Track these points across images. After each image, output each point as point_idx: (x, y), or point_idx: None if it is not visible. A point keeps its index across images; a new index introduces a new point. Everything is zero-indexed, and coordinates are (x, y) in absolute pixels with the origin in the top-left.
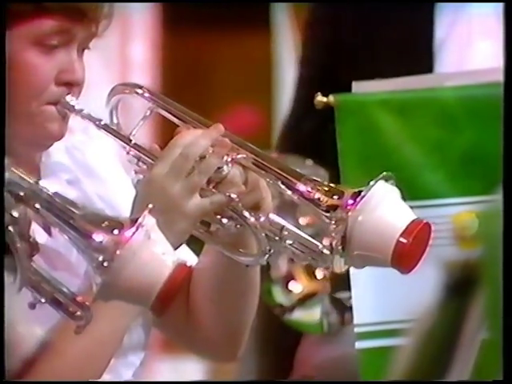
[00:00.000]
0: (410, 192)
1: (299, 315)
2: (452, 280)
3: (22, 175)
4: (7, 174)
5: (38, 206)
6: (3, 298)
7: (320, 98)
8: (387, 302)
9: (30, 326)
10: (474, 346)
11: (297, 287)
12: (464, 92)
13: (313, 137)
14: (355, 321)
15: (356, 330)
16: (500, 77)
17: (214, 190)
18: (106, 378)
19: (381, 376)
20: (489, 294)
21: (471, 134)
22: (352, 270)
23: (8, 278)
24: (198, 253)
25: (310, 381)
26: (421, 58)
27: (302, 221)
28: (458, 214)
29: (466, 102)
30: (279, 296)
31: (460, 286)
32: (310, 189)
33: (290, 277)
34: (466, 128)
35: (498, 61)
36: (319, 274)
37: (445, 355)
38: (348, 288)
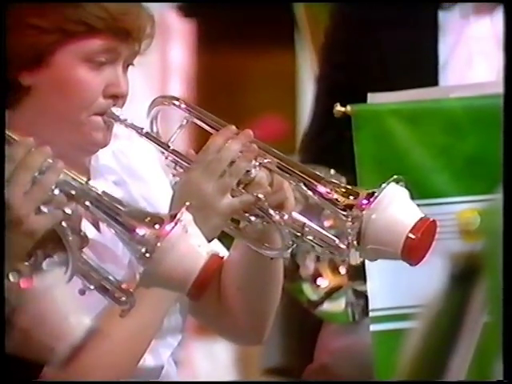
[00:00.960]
0: (419, 191)
1: (327, 307)
2: (457, 270)
3: (74, 176)
4: (61, 176)
5: (87, 203)
6: (3, 298)
7: (339, 108)
8: (399, 290)
9: (80, 315)
10: (476, 328)
11: (324, 283)
12: (467, 102)
13: (332, 144)
14: (370, 306)
15: (371, 314)
16: (499, 89)
17: (243, 191)
18: (146, 357)
19: (393, 356)
20: (490, 283)
21: (474, 139)
22: (367, 262)
23: (60, 269)
24: (228, 247)
25: (310, 381)
26: (427, 75)
27: (326, 223)
28: (462, 211)
29: (468, 112)
30: (309, 292)
31: (464, 275)
32: (328, 190)
33: (317, 274)
34: (468, 134)
35: (495, 77)
36: (342, 269)
37: (450, 336)
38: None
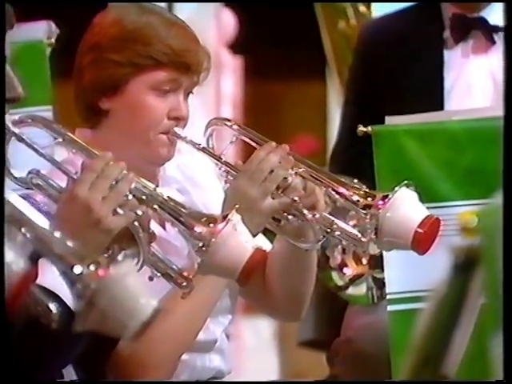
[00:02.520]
0: (427, 197)
1: (351, 291)
2: (458, 260)
3: (144, 184)
4: (134, 183)
5: (155, 206)
6: (3, 296)
7: (361, 129)
8: (411, 277)
9: (149, 297)
10: (475, 308)
11: (348, 271)
12: (466, 124)
13: (355, 158)
14: (387, 290)
15: (388, 297)
16: (492, 113)
17: (281, 194)
18: (200, 335)
19: (407, 332)
20: (486, 271)
21: (471, 154)
22: (384, 254)
23: (133, 260)
24: (271, 241)
25: (312, 381)
26: (434, 101)
27: (350, 222)
28: (463, 212)
29: (467, 131)
30: (336, 279)
31: (464, 265)
32: (351, 193)
33: (343, 264)
34: (467, 150)
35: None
36: (364, 260)
37: (454, 315)
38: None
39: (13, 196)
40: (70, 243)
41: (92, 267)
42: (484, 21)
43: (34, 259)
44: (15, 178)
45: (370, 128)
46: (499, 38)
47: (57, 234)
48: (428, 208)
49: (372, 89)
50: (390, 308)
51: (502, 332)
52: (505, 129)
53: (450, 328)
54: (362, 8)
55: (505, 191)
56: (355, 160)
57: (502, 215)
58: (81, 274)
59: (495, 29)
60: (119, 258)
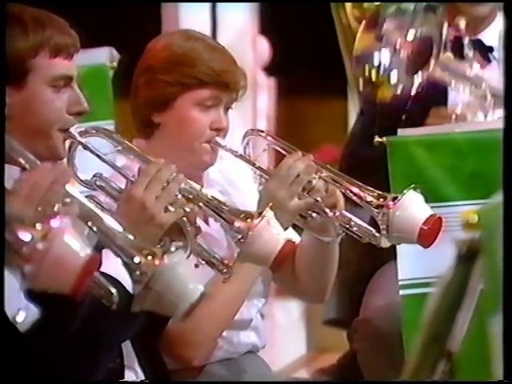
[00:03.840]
0: (434, 198)
1: None
2: (461, 251)
3: (191, 185)
4: (182, 185)
5: (201, 204)
6: (3, 295)
7: (377, 139)
8: (420, 265)
9: (196, 282)
10: (476, 293)
11: None
12: (468, 135)
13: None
14: (399, 276)
15: (400, 283)
16: (491, 125)
17: (306, 195)
18: (238, 314)
19: (417, 313)
20: (485, 261)
21: (473, 161)
22: (398, 246)
23: (182, 250)
24: (300, 234)
25: (312, 381)
26: None
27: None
28: (465, 211)
29: (468, 141)
30: None
31: (466, 255)
32: (366, 195)
33: None
34: (468, 157)
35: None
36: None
37: (458, 299)
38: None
39: (81, 195)
40: (130, 236)
41: (149, 257)
42: (480, 42)
43: (98, 249)
44: (81, 180)
45: (384, 138)
46: (494, 58)
47: (119, 229)
48: (435, 207)
49: (383, 112)
50: (402, 292)
51: (503, 332)
52: (504, 132)
53: (454, 309)
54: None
55: (504, 191)
56: (372, 168)
57: (502, 213)
58: (139, 263)
59: (490, 49)
60: (172, 249)
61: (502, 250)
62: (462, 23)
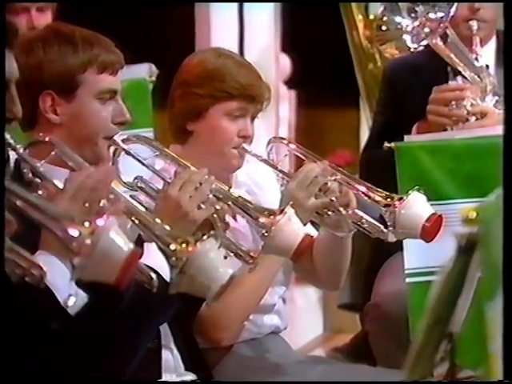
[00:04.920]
0: (436, 197)
1: None
2: (461, 244)
3: (221, 186)
4: (213, 186)
5: (229, 202)
6: (3, 292)
7: (386, 144)
8: (425, 256)
9: (226, 267)
10: (474, 281)
11: None
12: (466, 141)
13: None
14: (405, 266)
15: (406, 272)
16: (486, 132)
17: (323, 195)
18: (262, 300)
19: (422, 299)
20: (482, 252)
21: (469, 164)
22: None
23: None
24: (317, 229)
25: (311, 381)
26: None
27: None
28: (464, 208)
29: (466, 147)
30: None
31: (466, 247)
32: (375, 195)
33: None
34: (466, 161)
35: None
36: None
37: (458, 285)
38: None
39: (124, 195)
40: (166, 227)
41: (183, 245)
42: (476, 59)
43: (139, 243)
44: (124, 182)
45: (392, 144)
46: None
47: (158, 221)
48: (436, 205)
49: (392, 107)
50: (408, 280)
51: (503, 333)
52: (504, 134)
53: (455, 295)
54: (386, 54)
55: (504, 190)
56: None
57: (498, 210)
58: (175, 249)
59: (486, 67)
60: (204, 237)
61: (498, 242)
62: (475, 24)
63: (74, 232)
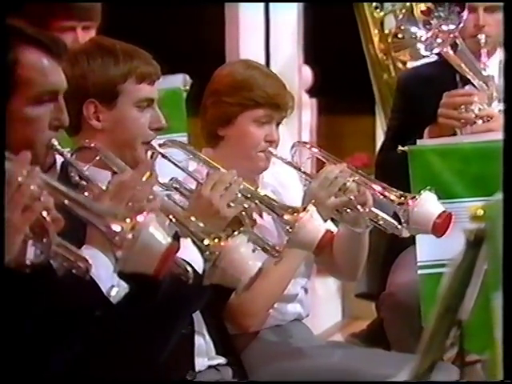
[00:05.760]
0: (446, 196)
1: None
2: (470, 239)
3: (249, 186)
4: (241, 186)
5: (256, 201)
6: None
7: (400, 148)
8: (436, 249)
9: (255, 260)
10: (481, 272)
11: None
12: (473, 145)
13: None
14: (418, 259)
15: (418, 264)
16: (491, 137)
17: (342, 194)
18: (288, 289)
19: (433, 289)
20: (489, 246)
21: (477, 166)
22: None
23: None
24: (337, 225)
25: (312, 381)
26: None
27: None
28: (472, 206)
29: (473, 150)
30: None
31: (474, 242)
32: (390, 194)
33: None
34: (474, 163)
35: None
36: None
37: (467, 277)
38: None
39: (161, 194)
40: (200, 224)
41: (216, 240)
42: (483, 69)
43: (176, 238)
44: (161, 183)
45: (406, 148)
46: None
47: (192, 218)
48: (446, 203)
49: (406, 113)
50: (420, 272)
51: (503, 333)
52: (504, 136)
53: (464, 286)
54: (400, 65)
55: (504, 191)
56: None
57: (502, 209)
58: (208, 244)
59: (492, 77)
60: (234, 233)
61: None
62: (483, 38)
63: (116, 228)
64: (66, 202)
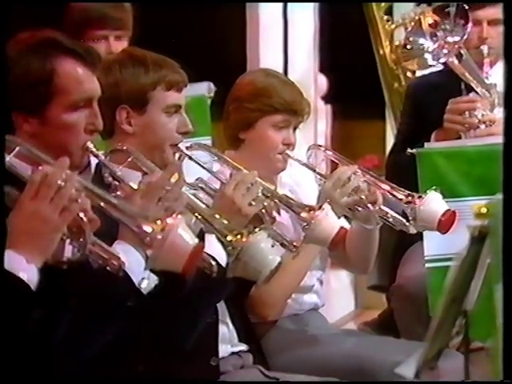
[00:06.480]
0: (451, 195)
1: None
2: (474, 235)
3: (269, 186)
4: (262, 186)
5: (275, 200)
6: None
7: (409, 150)
8: (443, 244)
9: (274, 254)
10: (485, 266)
11: None
12: (477, 148)
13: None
14: (425, 253)
15: (426, 258)
16: (494, 140)
17: (354, 194)
18: (303, 281)
19: (440, 281)
20: (492, 241)
21: (480, 167)
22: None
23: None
24: (350, 222)
25: (314, 381)
26: None
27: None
28: (475, 204)
29: (477, 153)
30: None
31: (478, 237)
32: (398, 194)
33: None
34: (478, 165)
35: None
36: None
37: (471, 270)
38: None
39: (188, 193)
40: (224, 221)
41: (238, 236)
42: (486, 78)
43: (201, 234)
44: (187, 183)
45: (414, 150)
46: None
47: (216, 216)
48: (452, 202)
49: (414, 119)
50: (427, 265)
51: (503, 333)
52: (504, 138)
53: (469, 278)
54: (409, 74)
55: (504, 192)
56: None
57: (502, 208)
58: (231, 240)
59: (495, 85)
60: (256, 230)
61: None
62: (486, 49)
63: (147, 228)
64: (102, 204)
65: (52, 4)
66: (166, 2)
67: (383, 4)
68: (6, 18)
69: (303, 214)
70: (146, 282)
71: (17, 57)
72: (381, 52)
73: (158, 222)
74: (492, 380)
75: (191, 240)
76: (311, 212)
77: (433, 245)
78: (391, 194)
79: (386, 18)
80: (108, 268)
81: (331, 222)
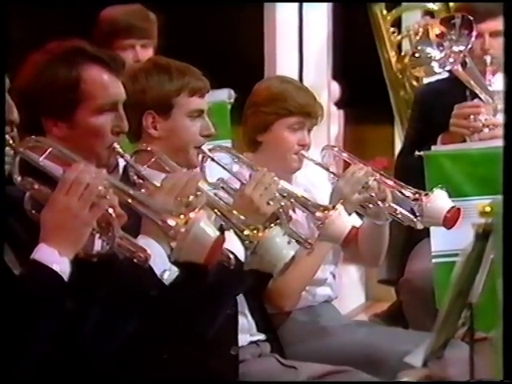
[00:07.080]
0: (456, 194)
1: None
2: (479, 232)
3: (284, 186)
4: (279, 186)
5: (291, 199)
6: (3, 289)
7: (417, 153)
8: (449, 240)
9: (289, 249)
10: (488, 261)
11: None
12: (481, 150)
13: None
14: (432, 249)
15: (433, 253)
16: (496, 143)
17: (365, 192)
18: (316, 274)
19: (446, 276)
20: (495, 238)
21: (484, 169)
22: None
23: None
24: (361, 218)
25: (315, 381)
26: None
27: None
28: (479, 203)
29: (481, 155)
30: None
31: (482, 235)
32: (406, 192)
33: None
34: (481, 166)
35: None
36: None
37: (476, 265)
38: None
39: (208, 192)
40: (241, 217)
41: (255, 231)
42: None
43: (222, 230)
44: (209, 182)
45: (422, 153)
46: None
47: (234, 212)
48: (457, 201)
49: (421, 123)
50: (434, 260)
51: (503, 333)
52: (505, 139)
53: (474, 273)
54: (414, 83)
55: (504, 192)
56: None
57: (502, 207)
58: (248, 235)
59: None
60: (271, 225)
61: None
62: (489, 58)
63: (171, 222)
64: (129, 200)
65: (84, 17)
66: (190, 13)
67: (389, 17)
68: (5, 18)
69: (318, 214)
70: (168, 273)
71: (46, 65)
72: (387, 62)
73: (182, 216)
74: (494, 372)
75: (213, 233)
76: (325, 212)
77: (439, 241)
78: (400, 191)
79: (392, 29)
80: (135, 260)
81: (344, 222)
